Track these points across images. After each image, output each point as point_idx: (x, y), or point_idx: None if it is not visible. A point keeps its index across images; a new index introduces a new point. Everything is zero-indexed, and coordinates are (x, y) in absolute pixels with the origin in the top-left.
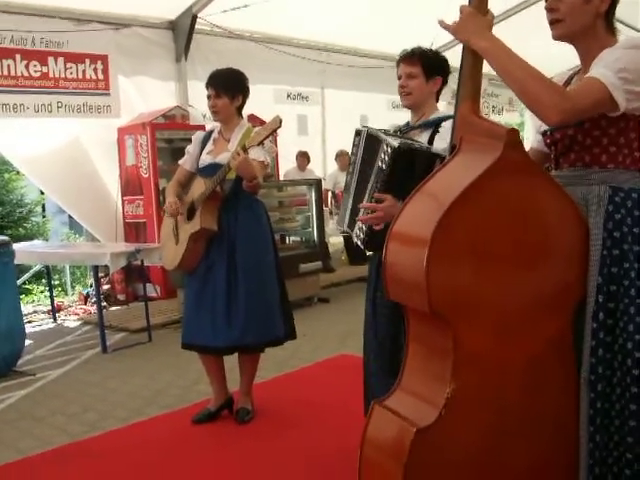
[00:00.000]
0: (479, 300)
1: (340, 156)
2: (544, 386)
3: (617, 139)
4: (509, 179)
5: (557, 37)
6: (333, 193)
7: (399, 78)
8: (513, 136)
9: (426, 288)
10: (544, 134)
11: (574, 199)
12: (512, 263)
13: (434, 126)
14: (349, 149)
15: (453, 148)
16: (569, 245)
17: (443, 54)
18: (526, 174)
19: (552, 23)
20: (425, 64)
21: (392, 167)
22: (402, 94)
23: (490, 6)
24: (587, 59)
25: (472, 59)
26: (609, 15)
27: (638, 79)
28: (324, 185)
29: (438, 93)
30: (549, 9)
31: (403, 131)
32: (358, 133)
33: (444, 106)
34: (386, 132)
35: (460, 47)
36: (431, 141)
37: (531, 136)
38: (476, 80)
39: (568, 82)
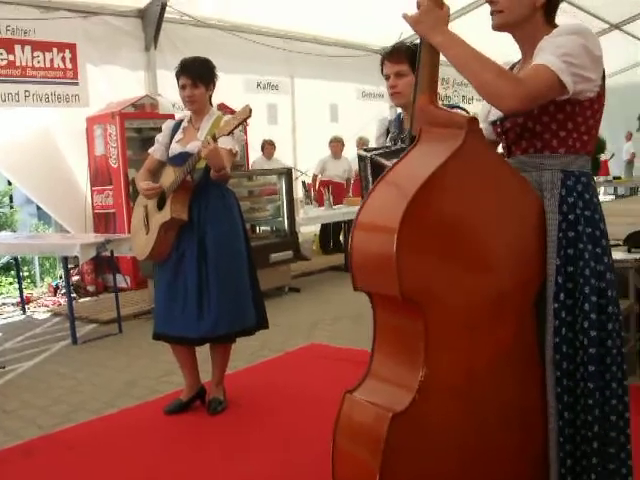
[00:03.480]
0: (448, 283)
1: (333, 142)
2: (510, 368)
3: (565, 124)
4: (471, 166)
5: (496, 27)
6: (303, 183)
7: (387, 78)
8: (474, 125)
9: (396, 273)
10: (494, 123)
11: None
12: (478, 247)
13: None
14: (320, 138)
15: (412, 139)
16: (531, 229)
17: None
18: (487, 162)
19: (493, 14)
20: (412, 60)
21: None
22: (392, 94)
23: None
24: (526, 49)
25: (429, 52)
26: (548, 7)
27: (581, 63)
28: (313, 170)
29: None
30: (490, 1)
31: (402, 139)
32: (362, 158)
33: None
34: (387, 150)
35: None
36: None
37: None
38: (433, 72)
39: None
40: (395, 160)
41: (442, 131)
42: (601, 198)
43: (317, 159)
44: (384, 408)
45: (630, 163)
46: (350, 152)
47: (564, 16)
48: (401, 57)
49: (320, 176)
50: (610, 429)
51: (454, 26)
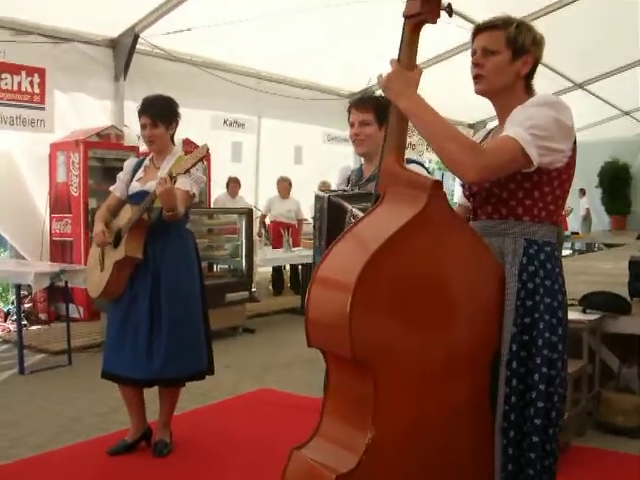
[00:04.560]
0: (401, 348)
1: (280, 182)
2: (462, 432)
3: (532, 193)
4: (432, 230)
5: (479, 92)
6: (263, 224)
7: (352, 125)
8: (437, 188)
9: (349, 334)
10: (463, 186)
11: (491, 249)
12: (434, 312)
13: None
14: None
15: (377, 198)
16: (487, 295)
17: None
18: (448, 226)
19: (476, 77)
20: (378, 110)
21: None
22: (355, 142)
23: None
24: (504, 116)
25: (398, 114)
26: (529, 77)
27: (548, 135)
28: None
29: None
30: (475, 63)
31: (360, 185)
32: (319, 199)
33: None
34: (345, 193)
35: None
36: None
37: (457, 192)
38: (401, 133)
39: (485, 139)
40: (354, 204)
41: (406, 192)
42: None
43: None
44: (329, 469)
45: (586, 219)
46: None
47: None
48: (368, 106)
49: (268, 215)
50: None
51: (433, 71)
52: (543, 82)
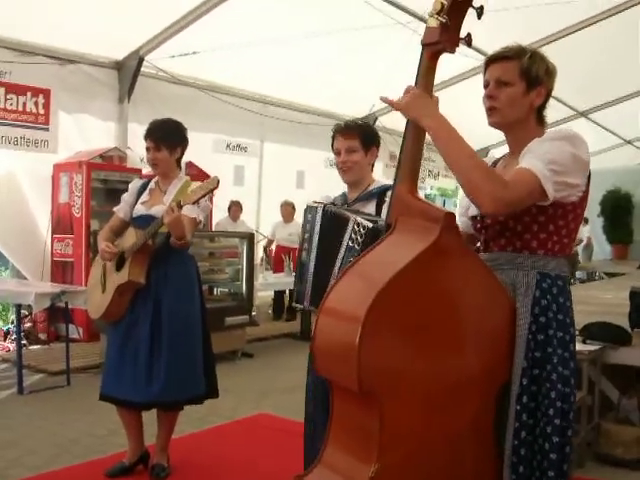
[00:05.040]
0: (408, 380)
1: (283, 206)
2: (466, 456)
3: (547, 226)
4: (443, 262)
5: (493, 124)
6: (264, 248)
7: (337, 153)
8: (450, 220)
9: (357, 366)
10: (474, 218)
11: (503, 282)
12: (442, 344)
13: (378, 196)
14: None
15: (388, 226)
16: (497, 328)
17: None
18: (460, 257)
19: (489, 109)
20: (363, 136)
21: (366, 245)
22: (342, 170)
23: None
24: (516, 147)
25: (413, 141)
26: (541, 108)
27: (565, 170)
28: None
29: (372, 164)
30: (489, 95)
31: (349, 204)
32: (310, 209)
33: (381, 168)
34: (337, 207)
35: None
36: (379, 212)
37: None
38: (416, 162)
39: (493, 166)
40: (360, 216)
41: (418, 223)
42: None
43: None
44: None
45: (588, 248)
46: None
47: None
48: (353, 133)
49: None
50: None
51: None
52: (546, 110)
